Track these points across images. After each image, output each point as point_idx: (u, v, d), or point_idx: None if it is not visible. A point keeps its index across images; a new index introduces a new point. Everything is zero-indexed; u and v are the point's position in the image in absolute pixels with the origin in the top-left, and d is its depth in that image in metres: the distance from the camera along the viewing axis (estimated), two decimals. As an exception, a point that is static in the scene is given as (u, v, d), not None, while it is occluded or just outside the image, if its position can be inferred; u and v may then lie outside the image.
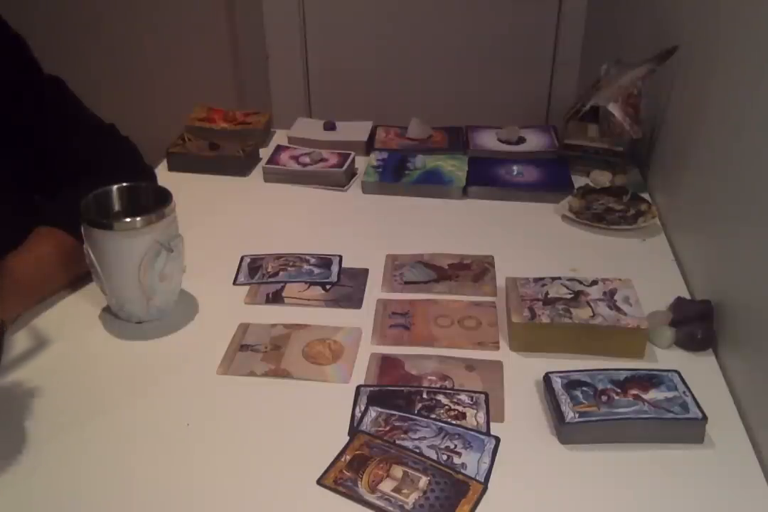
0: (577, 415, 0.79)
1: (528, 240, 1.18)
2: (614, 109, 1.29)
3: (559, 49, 2.51)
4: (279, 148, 1.43)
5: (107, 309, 1.00)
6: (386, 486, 0.73)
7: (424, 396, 0.85)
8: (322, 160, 1.38)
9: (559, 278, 0.99)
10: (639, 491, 0.74)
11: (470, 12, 2.47)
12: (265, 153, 1.43)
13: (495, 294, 1.04)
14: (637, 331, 0.90)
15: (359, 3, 2.50)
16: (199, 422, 0.83)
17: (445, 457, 0.77)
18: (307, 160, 1.38)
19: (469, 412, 0.83)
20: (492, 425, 0.81)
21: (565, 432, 0.80)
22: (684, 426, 0.79)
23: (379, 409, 0.83)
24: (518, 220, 1.25)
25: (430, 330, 0.97)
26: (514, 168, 1.36)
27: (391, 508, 0.71)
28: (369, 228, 1.23)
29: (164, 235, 0.92)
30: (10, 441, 0.80)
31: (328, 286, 1.06)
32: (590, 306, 0.93)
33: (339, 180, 1.34)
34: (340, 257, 1.12)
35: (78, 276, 1.03)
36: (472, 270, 1.09)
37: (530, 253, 1.14)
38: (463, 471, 0.75)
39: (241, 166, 1.40)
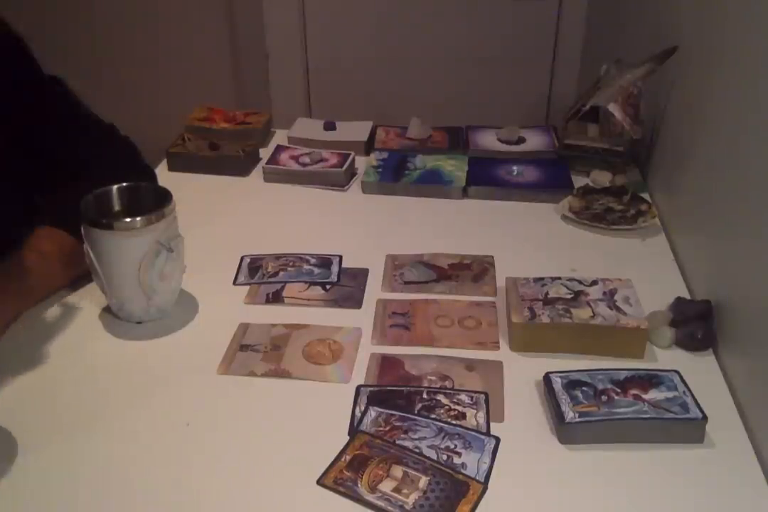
0: (577, 415, 0.79)
1: (528, 240, 1.18)
2: (614, 109, 1.29)
3: (559, 49, 2.52)
4: (279, 148, 1.43)
5: (107, 309, 1.00)
6: (386, 486, 0.73)
7: (424, 396, 0.85)
8: (322, 160, 1.38)
9: (559, 278, 0.99)
10: (639, 491, 0.74)
11: (470, 12, 2.47)
12: (265, 153, 1.43)
13: (495, 294, 1.04)
14: (637, 331, 0.90)
15: (359, 3, 2.50)
16: (199, 422, 0.83)
17: (445, 457, 0.77)
18: (307, 160, 1.38)
19: (469, 412, 0.83)
20: (492, 425, 0.81)
21: (565, 432, 0.80)
22: (684, 426, 0.79)
23: (379, 409, 0.83)
24: (518, 220, 1.25)
25: (430, 330, 0.97)
26: (514, 168, 1.36)
27: (391, 508, 0.71)
28: (369, 228, 1.23)
29: (164, 235, 0.92)
30: (8, 440, 0.80)
31: (328, 286, 1.06)
32: (590, 306, 0.93)
33: (339, 180, 1.34)
34: (340, 257, 1.12)
35: (78, 276, 1.03)
36: (472, 270, 1.09)
37: (530, 253, 1.14)
38: (463, 471, 0.75)
39: (241, 166, 1.39)
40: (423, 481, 0.74)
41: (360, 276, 1.08)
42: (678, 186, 1.21)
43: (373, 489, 0.73)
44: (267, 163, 1.38)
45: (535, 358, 0.92)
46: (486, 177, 1.34)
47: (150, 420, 0.83)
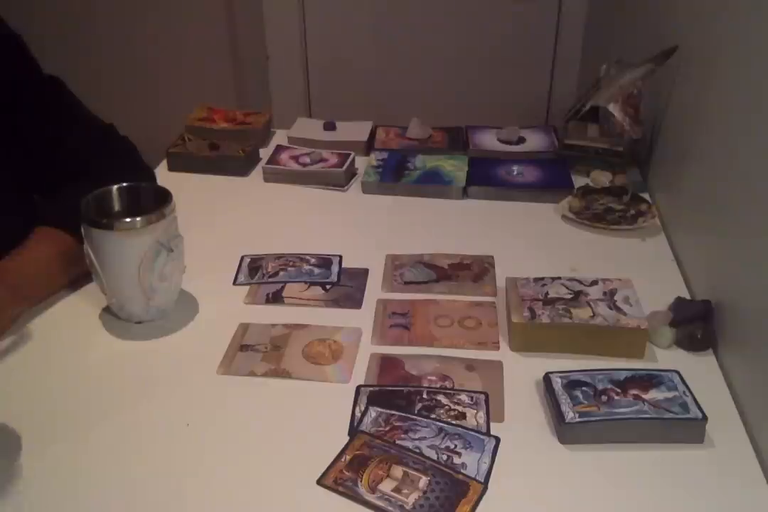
0: (577, 415, 0.79)
1: (528, 240, 1.18)
2: (614, 109, 1.29)
3: (559, 49, 2.52)
4: (279, 148, 1.43)
5: (107, 309, 1.00)
6: (386, 486, 0.73)
7: (424, 396, 0.85)
8: (322, 160, 1.38)
9: (559, 278, 0.99)
10: (639, 491, 0.74)
11: (470, 12, 2.47)
12: (265, 153, 1.43)
13: (495, 294, 1.04)
14: (637, 331, 0.90)
15: (359, 3, 2.50)
16: (199, 422, 0.83)
17: (445, 457, 0.77)
18: (307, 160, 1.38)
19: (469, 412, 0.83)
20: (492, 425, 0.81)
21: (565, 432, 0.80)
22: (684, 426, 0.79)
23: (379, 409, 0.83)
24: (518, 220, 1.25)
25: (430, 330, 0.97)
26: (514, 168, 1.36)
27: (391, 508, 0.71)
28: (369, 228, 1.23)
29: (164, 235, 0.92)
30: (9, 441, 0.80)
31: (328, 286, 1.06)
32: (590, 306, 0.93)
33: (339, 180, 1.34)
34: (340, 257, 1.12)
35: (78, 277, 1.03)
36: (472, 270, 1.09)
37: (530, 253, 1.14)
38: (463, 471, 0.75)
39: (241, 166, 1.40)
40: (423, 481, 0.74)
41: (360, 276, 1.08)
42: (678, 186, 1.21)
43: (373, 489, 0.73)
44: (267, 163, 1.38)
45: (535, 358, 0.92)
46: (486, 177, 1.34)
47: (150, 420, 0.83)
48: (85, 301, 1.02)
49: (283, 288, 1.06)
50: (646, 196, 1.28)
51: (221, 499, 0.73)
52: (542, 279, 0.99)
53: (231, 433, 0.81)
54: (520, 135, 1.47)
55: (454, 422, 0.81)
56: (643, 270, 1.07)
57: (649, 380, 0.84)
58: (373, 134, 1.50)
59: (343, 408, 0.84)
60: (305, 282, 1.07)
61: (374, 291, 1.05)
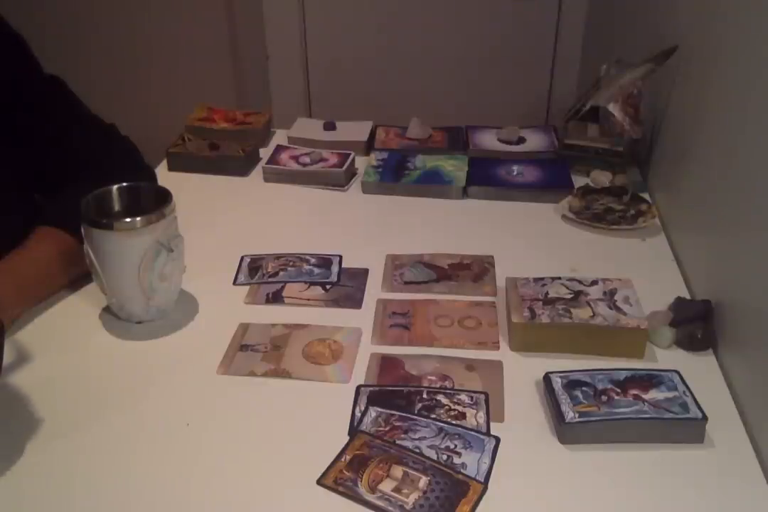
0: (577, 415, 0.79)
1: (528, 240, 1.18)
2: (614, 109, 1.29)
3: (559, 49, 2.52)
4: (279, 148, 1.43)
5: (107, 309, 1.00)
6: (386, 486, 0.73)
7: (424, 396, 0.85)
8: (322, 160, 1.38)
9: (559, 278, 0.99)
10: (639, 491, 0.74)
11: (470, 12, 2.47)
12: (265, 153, 1.43)
13: (495, 294, 1.04)
14: (637, 331, 0.90)
15: (359, 3, 2.50)
16: (199, 422, 0.83)
17: (445, 457, 0.77)
18: (307, 160, 1.38)
19: (469, 412, 0.83)
20: (492, 425, 0.81)
21: (565, 432, 0.80)
22: (684, 426, 0.79)
23: (379, 409, 0.83)
24: (518, 220, 1.25)
25: (430, 330, 0.97)
26: (514, 168, 1.36)
27: (391, 508, 0.71)
28: (369, 228, 1.23)
29: (164, 235, 0.92)
30: (10, 441, 0.80)
31: (328, 286, 1.06)
32: (590, 306, 0.93)
33: (339, 180, 1.34)
34: (340, 257, 1.12)
35: (78, 277, 1.03)
36: (472, 270, 1.09)
37: (530, 253, 1.14)
38: (463, 471, 0.75)
39: (241, 166, 1.40)
40: (423, 481, 0.74)
41: (360, 276, 1.08)
42: (678, 186, 1.21)
43: (373, 489, 0.73)
44: (267, 163, 1.38)
45: (535, 358, 0.92)
46: (486, 177, 1.34)
47: (150, 420, 0.83)
48: (85, 301, 1.02)
49: (283, 288, 1.06)
50: (646, 196, 1.28)
51: (221, 499, 0.74)
52: (542, 279, 0.99)
53: (231, 433, 0.81)
54: (520, 135, 1.47)
55: (454, 422, 0.81)
56: (643, 270, 1.07)
57: (649, 380, 0.84)
58: (373, 134, 1.50)
59: (343, 408, 0.84)
60: (305, 282, 1.07)
61: (374, 291, 1.05)
